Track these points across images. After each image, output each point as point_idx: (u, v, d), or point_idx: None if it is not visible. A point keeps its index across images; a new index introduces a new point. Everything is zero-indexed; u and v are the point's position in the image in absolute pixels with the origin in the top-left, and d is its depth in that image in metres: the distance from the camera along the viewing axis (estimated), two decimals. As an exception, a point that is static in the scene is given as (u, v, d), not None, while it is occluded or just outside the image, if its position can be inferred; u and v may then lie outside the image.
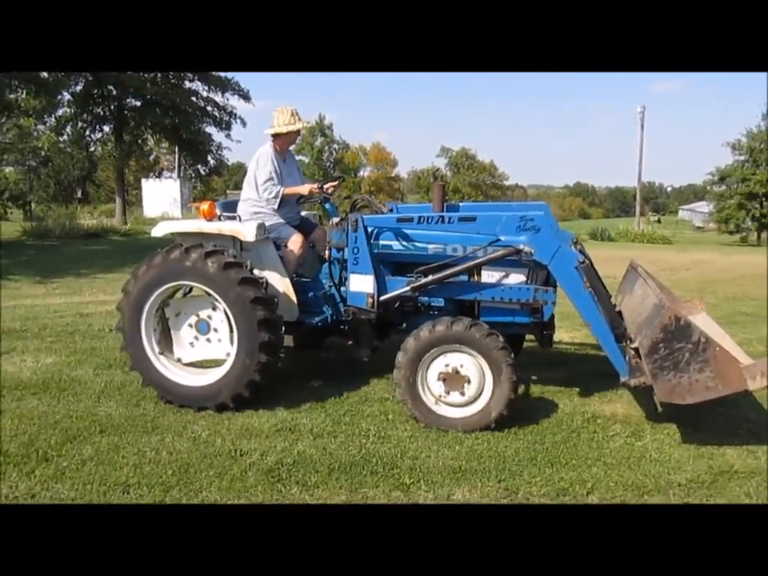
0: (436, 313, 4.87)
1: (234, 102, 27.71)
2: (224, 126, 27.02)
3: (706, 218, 53.54)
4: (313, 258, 5.43)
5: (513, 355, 4.30)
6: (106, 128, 26.70)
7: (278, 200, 5.08)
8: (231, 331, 4.58)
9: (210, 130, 27.57)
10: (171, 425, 4.38)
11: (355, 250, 4.65)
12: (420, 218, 4.70)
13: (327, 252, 5.02)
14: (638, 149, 35.44)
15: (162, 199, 37.66)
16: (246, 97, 26.46)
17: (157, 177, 44.79)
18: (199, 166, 29.78)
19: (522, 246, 4.38)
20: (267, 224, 4.95)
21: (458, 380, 4.30)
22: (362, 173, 63.85)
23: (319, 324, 5.04)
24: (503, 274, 4.67)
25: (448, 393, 4.33)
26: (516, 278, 4.68)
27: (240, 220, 4.93)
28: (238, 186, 6.48)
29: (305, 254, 5.19)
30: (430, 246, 4.64)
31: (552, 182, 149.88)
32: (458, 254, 4.59)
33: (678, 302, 4.92)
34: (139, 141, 28.44)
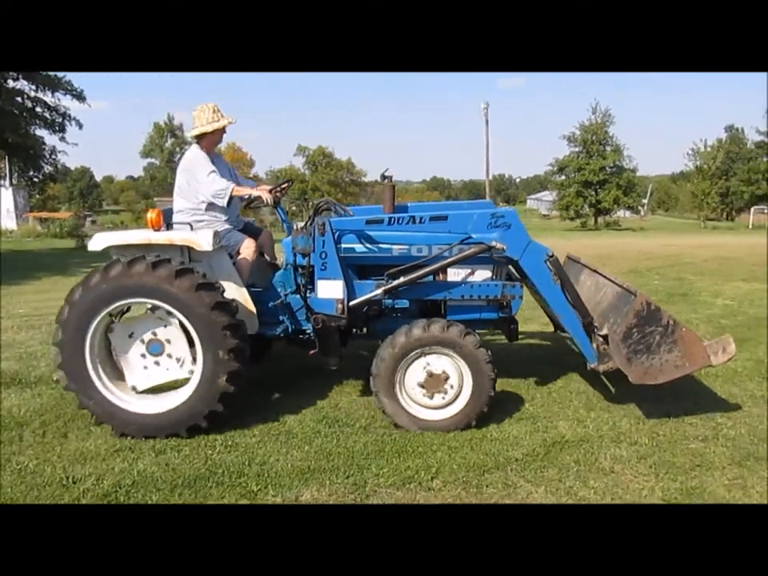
0: (399, 315, 4.80)
1: (66, 102, 25.70)
2: (57, 128, 25.01)
3: (551, 206, 57.50)
4: (262, 265, 5.12)
5: (490, 353, 4.26)
6: None
7: (228, 196, 4.66)
8: (191, 347, 4.26)
9: (41, 132, 25.49)
10: (-8, 459, 3.97)
11: (323, 255, 4.44)
12: (390, 219, 4.55)
13: (292, 258, 4.62)
14: (484, 143, 37.41)
15: (-7, 210, 34.43)
16: (80, 96, 24.69)
17: (-14, 186, 40.79)
18: (32, 173, 27.42)
19: (494, 243, 4.36)
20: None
21: (438, 381, 4.25)
22: (217, 174, 62.06)
23: (281, 335, 4.79)
24: (469, 271, 4.65)
25: (428, 395, 4.27)
26: (482, 274, 4.67)
27: (192, 228, 4.57)
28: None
29: (256, 260, 4.89)
30: (396, 248, 4.52)
31: (410, 178, 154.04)
32: (423, 254, 4.50)
33: None
34: (-41, 147, 25.72)
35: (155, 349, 4.34)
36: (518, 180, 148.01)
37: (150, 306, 4.36)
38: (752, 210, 49.66)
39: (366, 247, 4.54)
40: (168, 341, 4.32)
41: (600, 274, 5.04)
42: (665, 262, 15.41)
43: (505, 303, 4.71)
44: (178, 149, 55.99)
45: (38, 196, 36.77)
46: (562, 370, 5.60)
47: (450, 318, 4.50)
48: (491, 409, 4.51)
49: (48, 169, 26.83)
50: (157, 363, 4.34)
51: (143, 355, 4.33)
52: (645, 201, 58.76)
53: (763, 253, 17.91)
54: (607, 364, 4.36)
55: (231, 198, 4.71)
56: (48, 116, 24.72)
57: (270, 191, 4.90)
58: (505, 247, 4.38)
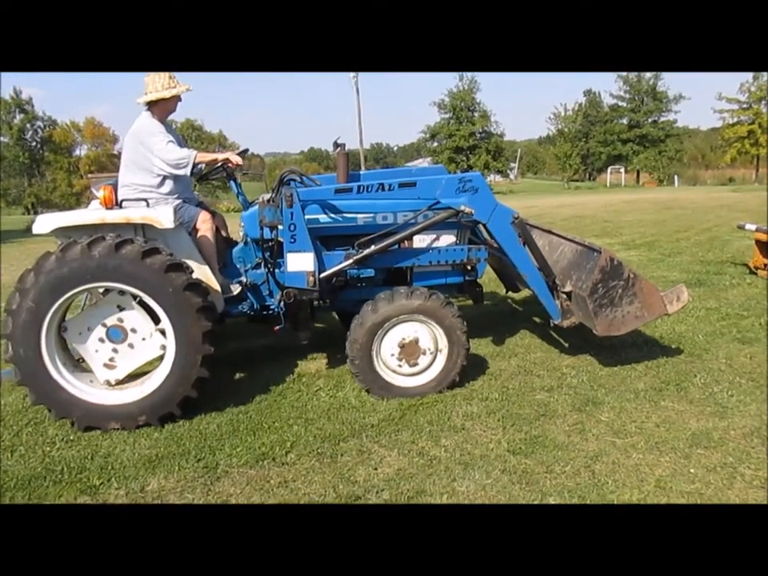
0: (364, 285, 4.70)
1: None
2: None
3: (426, 173, 58.53)
4: (218, 240, 4.75)
5: (465, 323, 4.30)
6: None
7: (192, 164, 4.37)
8: (156, 323, 3.99)
9: None
10: None
11: (292, 227, 4.20)
12: (360, 187, 4.43)
13: (257, 232, 4.35)
14: (356, 112, 37.25)
15: None
16: None
17: None
18: None
19: (463, 207, 4.34)
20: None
21: (415, 349, 4.25)
22: (77, 151, 57.94)
23: (246, 312, 4.62)
24: (434, 236, 4.63)
25: (404, 363, 4.28)
26: (447, 239, 4.66)
27: (148, 204, 4.21)
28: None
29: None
30: (363, 216, 4.42)
31: (288, 149, 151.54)
32: (389, 221, 4.43)
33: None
34: None
35: (116, 335, 4.03)
36: (395, 148, 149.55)
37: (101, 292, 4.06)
38: (609, 169, 53.10)
39: (336, 217, 4.43)
40: (132, 328, 4.05)
41: (553, 234, 5.21)
42: (528, 223, 16.10)
43: (470, 267, 4.78)
44: (28, 125, 51.50)
45: None
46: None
47: (417, 285, 4.51)
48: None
49: None
50: (116, 350, 4.05)
51: (101, 340, 4.02)
52: (514, 165, 61.28)
53: (616, 210, 19.24)
54: (570, 319, 4.61)
55: (195, 166, 4.45)
56: None
57: (234, 156, 4.62)
58: (473, 211, 4.41)
